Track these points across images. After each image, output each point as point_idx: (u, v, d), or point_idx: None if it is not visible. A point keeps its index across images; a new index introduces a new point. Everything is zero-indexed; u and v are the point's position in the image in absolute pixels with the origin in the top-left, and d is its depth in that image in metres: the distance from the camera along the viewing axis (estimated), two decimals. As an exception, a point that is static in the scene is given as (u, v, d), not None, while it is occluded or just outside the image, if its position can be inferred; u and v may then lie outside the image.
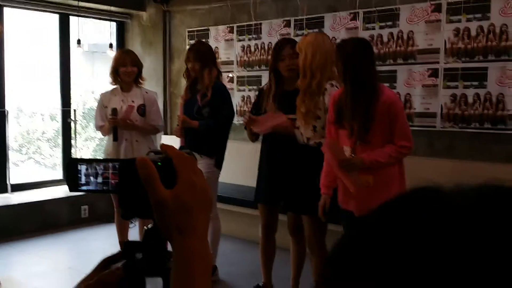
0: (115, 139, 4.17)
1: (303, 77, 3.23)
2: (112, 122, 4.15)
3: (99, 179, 0.87)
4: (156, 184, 0.71)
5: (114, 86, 4.39)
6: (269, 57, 3.86)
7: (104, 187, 0.87)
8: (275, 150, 3.52)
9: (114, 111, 4.16)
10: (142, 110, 4.30)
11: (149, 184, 0.71)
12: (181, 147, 3.96)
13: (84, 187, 0.88)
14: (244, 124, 3.57)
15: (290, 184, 3.44)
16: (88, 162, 0.88)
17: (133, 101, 4.29)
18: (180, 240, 0.70)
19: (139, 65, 4.34)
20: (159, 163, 0.75)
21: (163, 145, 0.77)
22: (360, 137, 2.90)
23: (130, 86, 4.34)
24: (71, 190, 0.88)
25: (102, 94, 4.48)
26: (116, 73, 4.30)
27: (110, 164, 0.87)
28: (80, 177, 0.87)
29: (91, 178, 0.87)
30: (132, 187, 0.79)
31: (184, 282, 0.69)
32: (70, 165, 0.88)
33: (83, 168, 0.87)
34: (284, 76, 3.49)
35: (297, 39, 5.12)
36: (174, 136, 4.25)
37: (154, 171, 0.72)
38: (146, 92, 4.41)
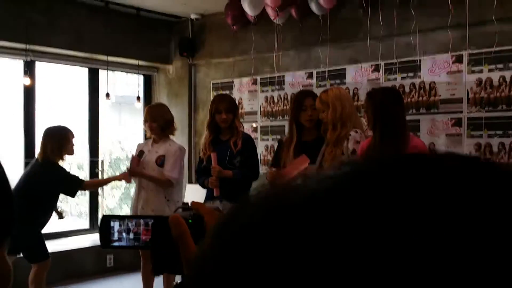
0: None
1: (333, 129, 3.30)
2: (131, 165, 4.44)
3: (131, 235, 0.91)
4: (188, 241, 0.74)
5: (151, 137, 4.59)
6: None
7: (136, 243, 0.91)
8: None
9: (141, 153, 4.44)
10: (161, 161, 4.39)
11: (180, 240, 0.74)
12: (215, 197, 4.01)
13: (116, 243, 0.91)
14: (269, 180, 3.62)
15: None
16: (121, 218, 0.92)
17: (156, 152, 4.41)
18: None
19: (159, 120, 4.42)
20: (190, 220, 0.78)
21: (194, 203, 0.81)
22: None
23: (159, 138, 4.47)
24: (103, 247, 0.92)
25: (138, 143, 4.75)
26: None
27: (142, 221, 0.91)
28: (113, 234, 0.91)
29: (123, 234, 0.91)
30: (163, 244, 0.82)
31: None
32: (103, 222, 0.92)
33: (116, 224, 0.91)
34: (303, 127, 3.58)
35: (319, 90, 5.22)
36: (197, 185, 4.30)
37: (186, 228, 0.75)
38: (170, 145, 4.48)
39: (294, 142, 3.60)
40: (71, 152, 4.56)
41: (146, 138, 4.73)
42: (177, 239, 0.75)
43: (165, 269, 0.87)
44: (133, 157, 4.44)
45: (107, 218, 0.92)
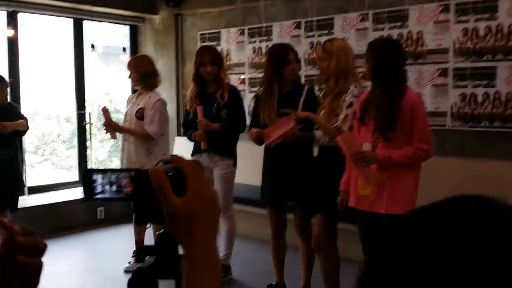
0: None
1: (336, 82, 3.30)
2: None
3: (114, 188, 0.94)
4: (167, 193, 0.77)
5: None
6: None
7: (118, 195, 0.93)
8: (277, 151, 3.59)
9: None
10: (140, 113, 4.37)
11: (160, 192, 0.77)
12: (203, 151, 4.04)
13: (99, 195, 0.94)
14: (253, 140, 3.64)
15: (300, 184, 3.51)
16: (104, 172, 0.94)
17: (138, 104, 4.40)
18: (188, 245, 0.76)
19: (137, 71, 4.37)
20: (170, 173, 0.81)
21: (172, 157, 0.83)
22: (383, 134, 2.94)
23: (142, 90, 4.45)
24: (86, 199, 0.94)
25: (128, 96, 4.79)
26: None
27: (124, 174, 0.93)
28: (96, 186, 0.94)
29: (106, 187, 0.94)
30: (145, 195, 0.84)
31: (191, 283, 0.74)
32: (86, 175, 0.94)
33: (99, 177, 0.93)
34: (282, 80, 3.57)
35: (307, 40, 5.19)
36: (185, 138, 4.31)
37: (166, 181, 0.77)
38: (150, 97, 4.41)
39: (275, 97, 3.58)
40: (4, 100, 4.50)
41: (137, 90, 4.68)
42: (157, 191, 0.77)
43: (147, 220, 0.90)
44: (103, 109, 4.40)
45: (90, 172, 0.94)
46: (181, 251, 0.94)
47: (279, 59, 3.58)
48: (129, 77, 4.47)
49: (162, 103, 4.43)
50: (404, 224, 0.49)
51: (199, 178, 0.80)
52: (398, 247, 0.48)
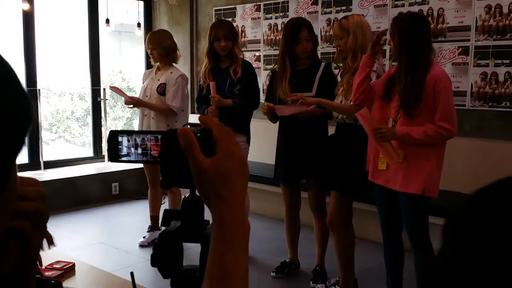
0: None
1: (353, 57, 3.25)
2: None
3: (139, 150, 0.91)
4: (197, 153, 0.74)
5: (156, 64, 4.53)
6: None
7: (144, 158, 0.91)
8: (292, 129, 3.56)
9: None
10: (162, 89, 4.38)
11: (190, 152, 0.74)
12: None
13: (124, 158, 0.91)
14: (264, 113, 3.61)
15: (316, 161, 3.48)
16: (129, 133, 0.91)
17: (158, 80, 4.39)
18: (219, 206, 0.73)
19: (158, 47, 4.35)
20: (198, 134, 0.78)
21: (201, 117, 0.80)
22: (406, 110, 2.88)
23: (162, 66, 4.44)
24: (112, 160, 0.92)
25: (144, 71, 4.76)
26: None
27: (150, 136, 0.90)
28: (121, 148, 0.91)
29: (132, 149, 0.91)
30: (173, 157, 0.82)
31: (224, 246, 0.72)
32: (111, 136, 0.92)
33: (124, 139, 0.91)
34: (297, 56, 3.53)
35: (324, 17, 5.11)
36: (198, 116, 4.29)
37: (195, 141, 0.75)
38: (171, 72, 4.43)
39: (288, 74, 3.55)
40: None
41: (152, 66, 4.67)
42: (186, 151, 0.75)
43: (174, 182, 0.87)
44: (113, 88, 4.51)
45: (115, 133, 0.92)
46: (207, 215, 0.91)
47: (291, 36, 3.53)
48: (151, 53, 4.40)
49: (184, 79, 4.47)
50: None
51: (229, 139, 0.77)
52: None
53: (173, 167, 0.84)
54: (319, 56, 4.83)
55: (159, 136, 0.89)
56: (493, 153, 4.12)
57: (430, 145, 2.90)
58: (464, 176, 4.11)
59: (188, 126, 0.86)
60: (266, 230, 4.92)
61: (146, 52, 4.53)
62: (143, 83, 4.60)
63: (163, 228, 0.93)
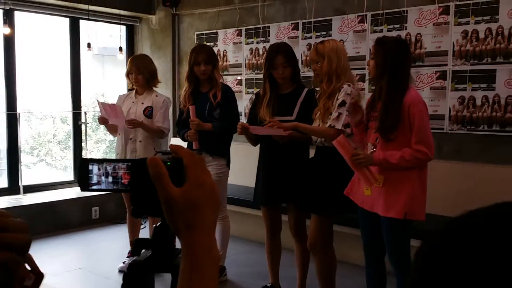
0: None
1: (329, 82, 3.28)
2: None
3: (110, 179, 0.90)
4: (166, 182, 0.73)
5: (132, 89, 4.56)
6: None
7: (115, 186, 0.90)
8: (272, 152, 3.58)
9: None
10: (148, 112, 4.39)
11: (158, 181, 0.74)
12: (195, 150, 3.99)
13: (95, 186, 0.91)
14: (239, 133, 3.63)
15: (296, 184, 3.49)
16: (99, 162, 0.91)
17: (142, 103, 4.40)
18: (188, 236, 0.73)
19: (144, 72, 4.39)
20: (168, 163, 0.78)
21: (172, 146, 0.80)
22: (383, 133, 2.92)
23: (142, 91, 4.44)
24: (82, 189, 0.91)
25: (119, 95, 4.65)
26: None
27: (121, 164, 0.90)
28: (92, 177, 0.90)
29: (102, 177, 0.91)
30: (143, 186, 0.81)
31: (193, 276, 0.71)
32: (82, 165, 0.91)
33: (94, 168, 0.90)
34: (278, 81, 3.58)
35: (305, 41, 5.17)
36: (180, 139, 4.28)
37: (164, 169, 0.74)
38: (156, 96, 4.48)
39: (267, 97, 3.59)
40: None
41: (128, 90, 4.67)
42: (155, 180, 0.74)
43: (144, 212, 0.87)
44: (115, 106, 4.36)
45: (86, 162, 0.91)
46: (177, 244, 0.90)
47: (268, 61, 3.58)
48: (135, 77, 4.39)
49: (169, 101, 4.60)
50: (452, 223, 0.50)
51: (199, 168, 0.77)
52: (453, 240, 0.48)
53: (143, 196, 0.84)
54: (300, 80, 4.88)
55: (129, 164, 0.89)
56: (472, 176, 4.17)
57: (409, 168, 2.92)
58: (444, 199, 4.14)
59: (160, 154, 0.86)
60: (246, 254, 4.89)
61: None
62: (119, 103, 4.53)
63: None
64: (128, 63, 4.52)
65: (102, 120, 4.32)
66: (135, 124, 4.28)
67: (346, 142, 3.00)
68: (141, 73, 4.38)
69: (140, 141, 4.39)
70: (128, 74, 4.47)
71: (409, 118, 2.88)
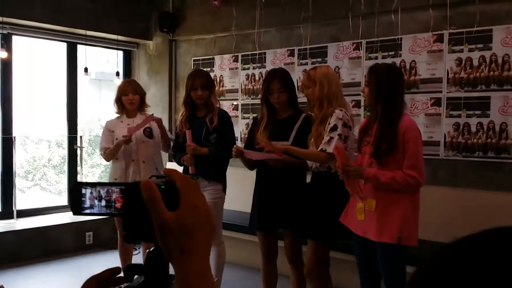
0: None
1: (320, 107, 3.31)
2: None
3: (103, 203, 0.90)
4: (159, 206, 0.73)
5: (119, 115, 4.54)
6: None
7: (108, 210, 0.89)
8: (269, 177, 3.57)
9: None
10: (148, 132, 4.39)
11: (152, 206, 0.73)
12: (191, 175, 3.98)
13: (87, 210, 0.90)
14: (234, 156, 3.62)
15: (292, 210, 3.47)
16: (92, 185, 0.90)
17: (136, 125, 4.39)
18: (182, 261, 0.72)
19: (141, 93, 4.47)
20: (162, 186, 0.77)
21: (166, 170, 0.79)
22: (378, 157, 2.93)
23: (134, 113, 4.46)
24: (74, 213, 0.90)
25: (108, 121, 4.59)
26: (120, 102, 4.47)
27: (114, 188, 0.89)
28: (84, 201, 0.89)
29: (95, 201, 0.90)
30: (136, 210, 0.80)
31: None
32: (75, 188, 0.90)
33: (87, 191, 0.89)
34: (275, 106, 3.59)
35: (300, 68, 5.21)
36: (177, 164, 4.27)
37: (157, 193, 0.74)
38: (152, 114, 4.48)
39: (264, 121, 3.61)
40: None
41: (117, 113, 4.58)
42: (148, 204, 0.74)
43: (137, 237, 0.86)
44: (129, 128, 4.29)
45: (79, 185, 0.91)
46: (171, 270, 0.89)
47: (265, 86, 3.61)
48: (133, 98, 4.41)
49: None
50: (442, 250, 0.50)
51: (193, 192, 0.76)
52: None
53: (136, 221, 0.83)
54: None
55: (122, 188, 0.88)
56: (467, 202, 4.16)
57: (401, 192, 2.93)
58: (439, 225, 4.13)
59: (154, 178, 0.85)
60: (242, 280, 4.84)
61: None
62: (110, 132, 4.46)
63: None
64: (120, 87, 4.51)
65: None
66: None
67: (344, 152, 3.01)
68: (137, 93, 4.43)
69: (143, 162, 4.39)
70: (120, 97, 4.44)
71: (403, 143, 2.90)
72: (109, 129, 4.48)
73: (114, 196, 0.89)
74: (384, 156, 2.90)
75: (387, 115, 2.94)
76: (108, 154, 4.41)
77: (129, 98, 4.41)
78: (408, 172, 2.87)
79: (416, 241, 2.97)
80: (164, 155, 6.20)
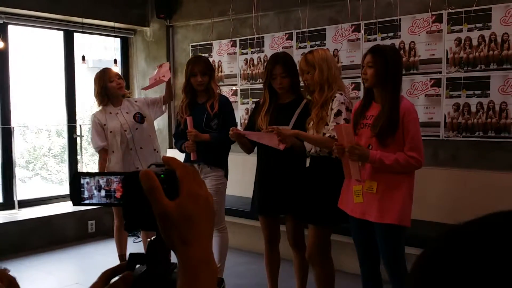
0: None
1: (321, 91, 3.29)
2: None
3: (102, 193, 0.89)
4: (159, 195, 0.72)
5: (102, 107, 4.43)
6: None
7: (108, 200, 0.89)
8: (270, 162, 3.56)
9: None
10: (139, 118, 4.38)
11: (152, 195, 0.72)
12: (193, 162, 3.98)
13: (87, 201, 0.89)
14: (231, 138, 3.61)
15: (293, 194, 3.47)
16: (91, 175, 0.89)
17: (127, 113, 4.39)
18: (184, 250, 0.71)
19: (123, 81, 4.51)
20: (162, 175, 0.76)
21: (165, 157, 0.78)
22: (382, 138, 2.92)
23: (119, 100, 4.42)
24: (74, 204, 0.89)
25: (95, 114, 4.45)
26: (103, 92, 4.36)
27: (114, 178, 0.88)
28: (83, 191, 0.89)
29: (95, 191, 0.89)
30: (136, 200, 0.80)
31: None
32: (74, 179, 0.90)
33: (86, 182, 0.89)
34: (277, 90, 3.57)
35: (299, 51, 5.18)
36: (177, 151, 4.26)
37: (157, 183, 0.73)
38: (136, 101, 4.56)
39: (266, 106, 3.60)
40: None
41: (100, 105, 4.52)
42: (148, 193, 0.73)
43: (137, 226, 0.85)
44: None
45: (78, 175, 0.90)
46: (173, 258, 0.88)
47: (267, 71, 3.58)
48: (121, 83, 4.44)
49: None
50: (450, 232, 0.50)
51: (193, 180, 0.76)
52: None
53: (136, 210, 0.82)
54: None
55: (121, 178, 0.87)
56: (468, 182, 4.16)
57: (400, 174, 2.93)
58: (439, 205, 4.13)
59: (153, 166, 0.84)
60: (245, 265, 4.86)
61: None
62: (101, 126, 4.39)
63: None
64: (100, 74, 4.41)
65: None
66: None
67: (351, 131, 3.00)
68: (121, 78, 4.49)
69: (141, 148, 4.38)
70: (105, 85, 4.35)
71: (402, 125, 2.90)
72: (99, 124, 4.38)
73: (114, 186, 0.88)
74: (387, 136, 2.91)
75: (395, 96, 2.94)
76: (105, 152, 4.43)
77: (120, 82, 4.43)
78: (410, 154, 2.89)
79: (409, 222, 2.99)
80: (163, 145, 6.21)
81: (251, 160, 3.82)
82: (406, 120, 2.90)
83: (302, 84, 3.54)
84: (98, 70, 4.52)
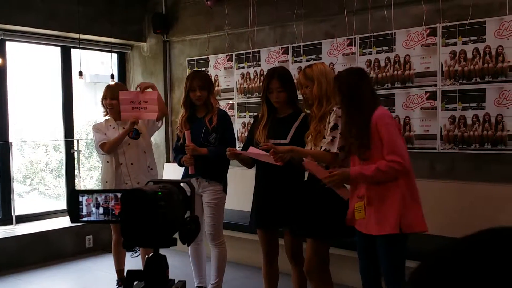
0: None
1: (319, 105, 3.32)
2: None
3: (100, 210, 0.90)
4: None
5: (107, 117, 4.52)
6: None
7: (106, 218, 0.90)
8: (269, 176, 3.57)
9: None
10: (134, 133, 4.35)
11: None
12: (191, 175, 3.99)
13: (85, 218, 0.90)
14: (229, 158, 3.63)
15: (291, 208, 3.47)
16: (90, 193, 0.91)
17: (123, 128, 4.36)
18: None
19: (117, 97, 4.36)
20: (159, 193, 0.78)
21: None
22: (359, 155, 2.99)
23: (119, 115, 4.42)
24: (72, 221, 0.91)
25: (96, 124, 4.57)
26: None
27: (112, 195, 0.90)
28: (82, 208, 0.90)
29: (93, 209, 0.90)
30: (134, 217, 0.81)
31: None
32: (72, 196, 0.91)
33: (84, 199, 0.90)
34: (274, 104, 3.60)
35: (295, 65, 5.21)
36: (175, 165, 4.27)
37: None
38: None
39: (264, 119, 3.62)
40: None
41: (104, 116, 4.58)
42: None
43: (135, 243, 0.86)
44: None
45: (76, 193, 0.91)
46: (171, 275, 0.89)
47: (264, 85, 3.61)
48: (110, 103, 4.42)
49: None
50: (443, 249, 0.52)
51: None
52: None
53: (134, 227, 0.83)
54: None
55: (119, 195, 0.88)
56: (465, 195, 4.17)
57: (391, 181, 2.94)
58: (437, 218, 4.13)
59: (152, 184, 0.86)
60: (243, 279, 4.84)
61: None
62: (102, 132, 4.43)
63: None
64: (104, 90, 4.51)
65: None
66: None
67: (315, 166, 3.10)
68: (114, 99, 4.38)
69: (131, 164, 4.36)
70: (102, 101, 4.49)
71: (378, 132, 2.93)
72: (101, 130, 4.45)
73: (112, 203, 0.90)
74: (363, 151, 2.96)
75: (352, 116, 3.02)
76: (112, 142, 4.32)
77: (107, 102, 4.43)
78: (389, 158, 2.90)
79: (425, 226, 2.98)
80: (161, 160, 6.22)
81: (250, 174, 3.83)
82: (378, 127, 2.94)
83: (300, 97, 3.57)
84: (94, 85, 4.54)
